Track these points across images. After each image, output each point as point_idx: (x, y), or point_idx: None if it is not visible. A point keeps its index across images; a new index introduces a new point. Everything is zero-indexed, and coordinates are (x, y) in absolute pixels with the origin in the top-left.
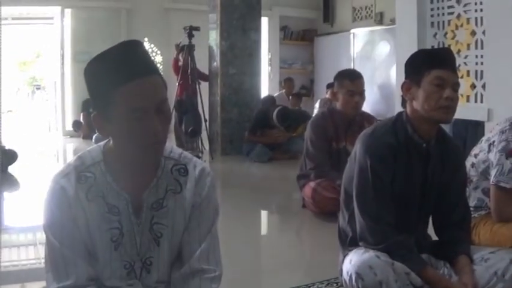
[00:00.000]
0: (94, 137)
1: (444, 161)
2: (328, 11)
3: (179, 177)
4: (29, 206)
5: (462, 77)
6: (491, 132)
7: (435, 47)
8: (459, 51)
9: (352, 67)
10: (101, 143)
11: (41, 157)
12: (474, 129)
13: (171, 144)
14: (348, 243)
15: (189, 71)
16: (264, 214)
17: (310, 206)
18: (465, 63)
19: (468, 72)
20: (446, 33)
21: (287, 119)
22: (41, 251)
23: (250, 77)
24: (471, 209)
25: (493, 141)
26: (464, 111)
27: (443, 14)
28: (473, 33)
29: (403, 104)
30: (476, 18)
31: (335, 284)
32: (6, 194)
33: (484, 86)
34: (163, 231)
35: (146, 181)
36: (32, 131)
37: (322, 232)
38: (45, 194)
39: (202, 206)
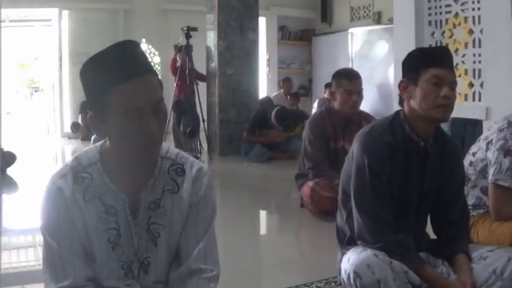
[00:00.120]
0: (92, 138)
1: (442, 159)
2: (326, 11)
3: (176, 177)
4: (28, 208)
5: (460, 76)
6: (489, 130)
7: (433, 45)
8: (457, 50)
9: (350, 67)
10: (98, 144)
11: (40, 159)
12: (472, 128)
13: (168, 144)
14: (346, 242)
15: (187, 71)
16: (262, 214)
17: (308, 205)
18: (463, 62)
19: (466, 71)
20: (443, 32)
21: (285, 119)
22: (41, 253)
23: (248, 77)
24: (469, 207)
25: (491, 140)
26: (462, 110)
27: (441, 13)
28: (471, 31)
29: (400, 102)
30: (473, 16)
31: (333, 283)
32: (5, 196)
33: (481, 85)
34: (161, 231)
35: (143, 181)
36: (31, 133)
37: (320, 231)
38: (43, 194)
39: (199, 205)
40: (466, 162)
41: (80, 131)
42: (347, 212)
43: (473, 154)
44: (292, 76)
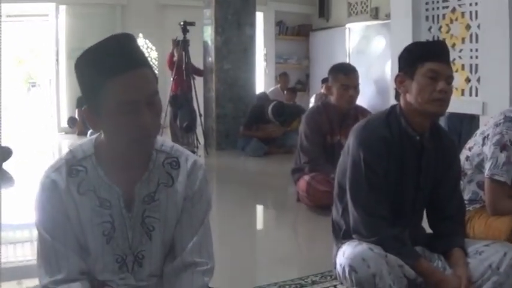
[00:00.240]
0: (89, 133)
1: (438, 154)
2: (323, 6)
3: (171, 171)
4: (25, 202)
5: (457, 71)
6: (486, 125)
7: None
8: (454, 45)
9: (347, 62)
10: (93, 137)
11: (36, 154)
12: (469, 123)
13: (163, 137)
14: (342, 236)
15: (184, 66)
16: (259, 208)
17: (304, 199)
18: (460, 57)
19: (463, 66)
20: (440, 27)
21: (282, 113)
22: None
23: (245, 72)
24: (466, 202)
25: (488, 135)
26: (459, 105)
27: (438, 8)
28: (468, 27)
29: (397, 97)
30: (470, 12)
31: (329, 277)
32: (1, 191)
33: (478, 80)
34: (155, 224)
35: (138, 174)
36: (28, 128)
37: (316, 225)
38: (37, 188)
39: (194, 199)
40: (462, 157)
41: (76, 126)
42: (342, 206)
43: (470, 149)
44: (290, 71)
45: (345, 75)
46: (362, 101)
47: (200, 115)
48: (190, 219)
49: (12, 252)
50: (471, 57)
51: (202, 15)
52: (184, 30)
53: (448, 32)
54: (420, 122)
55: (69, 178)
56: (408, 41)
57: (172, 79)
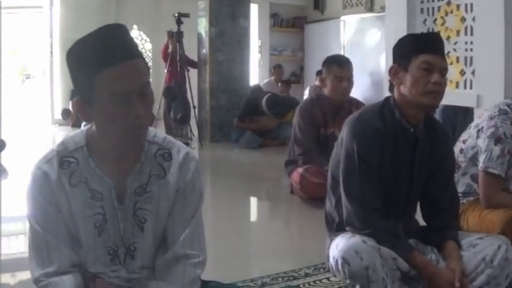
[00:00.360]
0: (82, 124)
1: (432, 146)
2: None
3: (163, 162)
4: (19, 195)
5: (451, 64)
6: (480, 118)
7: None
8: (449, 37)
9: (342, 54)
10: (84, 128)
11: (30, 146)
12: (464, 116)
13: (155, 129)
14: (335, 228)
15: (178, 58)
16: (252, 200)
17: (298, 191)
18: (454, 49)
19: (457, 58)
20: (435, 20)
21: (276, 106)
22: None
23: (239, 64)
24: (459, 195)
25: (482, 127)
26: (453, 97)
27: (433, 0)
28: (463, 19)
29: (391, 88)
30: (466, 4)
31: (322, 270)
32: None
33: (473, 73)
34: (147, 216)
35: (130, 166)
36: (22, 119)
37: (310, 218)
38: (28, 179)
39: (186, 190)
40: (456, 149)
41: (70, 118)
42: (335, 198)
43: (464, 141)
44: (284, 63)
45: (339, 67)
46: (356, 93)
47: (194, 107)
48: (182, 211)
49: (7, 245)
50: (466, 49)
51: (197, 7)
52: (179, 22)
53: (442, 24)
54: (414, 114)
55: (60, 170)
56: (402, 33)
57: (166, 71)
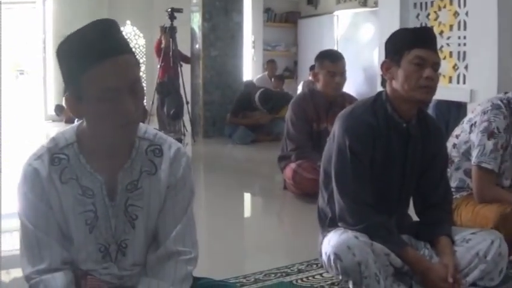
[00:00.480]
0: (76, 121)
1: (425, 141)
2: None
3: (154, 158)
4: (11, 191)
5: (444, 58)
6: (473, 112)
7: None
8: (442, 32)
9: (336, 49)
10: (75, 124)
11: (23, 142)
12: (457, 111)
13: (146, 124)
14: (328, 224)
15: (171, 53)
16: (246, 196)
17: (291, 187)
18: (448, 44)
19: (451, 53)
20: (428, 14)
21: (269, 101)
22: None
23: (233, 59)
24: (453, 189)
25: (475, 122)
26: (446, 92)
27: None
28: (456, 14)
29: (383, 83)
30: None
31: (315, 265)
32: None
33: (466, 67)
34: (138, 213)
35: (121, 162)
36: (15, 115)
37: (303, 213)
38: (19, 176)
39: (177, 187)
40: (449, 144)
41: (64, 114)
42: (328, 193)
43: (457, 136)
44: (278, 58)
45: (331, 62)
46: (350, 88)
47: (187, 102)
48: (173, 208)
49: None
50: (459, 44)
51: (190, 2)
52: (172, 17)
53: (435, 19)
54: (406, 109)
55: (51, 166)
56: (396, 28)
57: (159, 66)
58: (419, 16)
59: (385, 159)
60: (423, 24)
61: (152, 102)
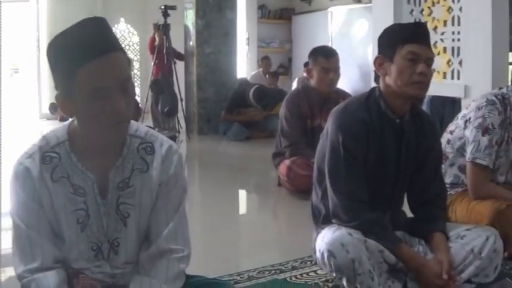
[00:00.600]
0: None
1: (419, 137)
2: None
3: (146, 156)
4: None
5: (438, 54)
6: (467, 108)
7: None
8: (435, 27)
9: (330, 46)
10: (66, 123)
11: (17, 140)
12: (451, 106)
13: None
14: (322, 220)
15: (165, 50)
16: (240, 193)
17: (285, 184)
18: (441, 40)
19: (444, 48)
20: (422, 10)
21: (263, 97)
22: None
23: (226, 56)
24: (447, 186)
25: (469, 118)
26: (440, 88)
27: None
28: (450, 9)
29: (376, 79)
30: None
31: (309, 262)
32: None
33: (460, 63)
34: (130, 211)
35: (112, 160)
36: (9, 114)
37: (297, 210)
38: (11, 175)
39: (169, 184)
40: (443, 140)
41: (58, 112)
42: (321, 190)
43: (451, 132)
44: (272, 55)
45: (325, 59)
46: (344, 84)
47: (181, 100)
48: (165, 206)
49: None
50: (453, 40)
51: None
52: (165, 14)
53: (429, 14)
54: (400, 104)
55: (42, 165)
56: (389, 24)
57: (153, 64)
58: (413, 12)
59: (379, 156)
60: (417, 20)
61: (146, 100)
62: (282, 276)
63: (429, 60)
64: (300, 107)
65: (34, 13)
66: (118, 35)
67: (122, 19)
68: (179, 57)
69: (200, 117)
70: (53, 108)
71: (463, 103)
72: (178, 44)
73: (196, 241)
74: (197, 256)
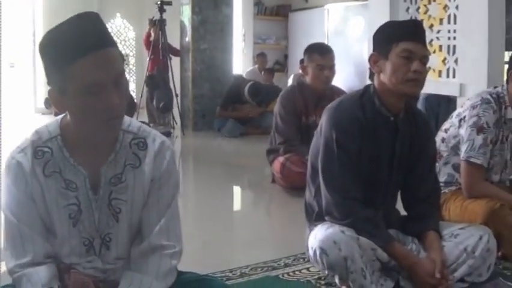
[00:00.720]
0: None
1: (413, 135)
2: None
3: (138, 152)
4: None
5: (434, 52)
6: (462, 107)
7: None
8: (431, 25)
9: (326, 43)
10: (58, 117)
11: (12, 135)
12: (447, 105)
13: (130, 118)
14: (315, 218)
15: (160, 46)
16: (234, 189)
17: (279, 180)
18: (437, 38)
19: (440, 47)
20: (418, 8)
21: (258, 94)
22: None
23: (222, 52)
24: (441, 184)
25: (464, 117)
26: (436, 86)
27: None
28: (446, 7)
29: (371, 76)
30: None
31: (301, 260)
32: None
33: (456, 61)
34: (122, 206)
35: (104, 156)
36: (4, 108)
37: (290, 207)
38: (3, 169)
39: (161, 180)
40: (438, 138)
41: (53, 107)
42: (315, 187)
43: (446, 131)
44: (268, 52)
45: (320, 56)
46: (340, 82)
47: (176, 95)
48: (157, 201)
49: None
50: (449, 38)
51: None
52: (161, 10)
53: (425, 12)
54: (394, 102)
55: (34, 159)
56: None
57: (148, 59)
58: (409, 9)
59: (372, 153)
60: (413, 18)
61: (142, 95)
62: (274, 273)
63: (424, 58)
64: (295, 104)
65: (30, 7)
66: (114, 30)
67: (118, 14)
68: (175, 52)
69: (195, 113)
70: (48, 103)
71: (458, 101)
72: (173, 40)
73: (189, 237)
74: (189, 252)
